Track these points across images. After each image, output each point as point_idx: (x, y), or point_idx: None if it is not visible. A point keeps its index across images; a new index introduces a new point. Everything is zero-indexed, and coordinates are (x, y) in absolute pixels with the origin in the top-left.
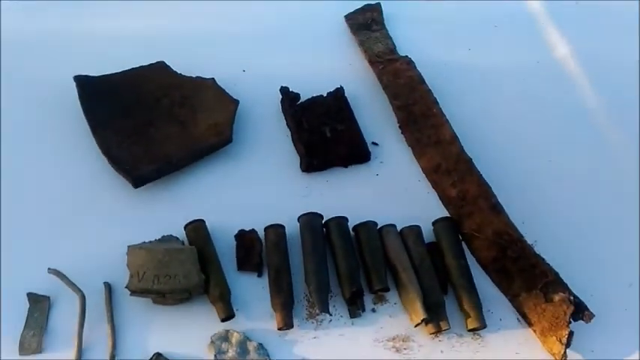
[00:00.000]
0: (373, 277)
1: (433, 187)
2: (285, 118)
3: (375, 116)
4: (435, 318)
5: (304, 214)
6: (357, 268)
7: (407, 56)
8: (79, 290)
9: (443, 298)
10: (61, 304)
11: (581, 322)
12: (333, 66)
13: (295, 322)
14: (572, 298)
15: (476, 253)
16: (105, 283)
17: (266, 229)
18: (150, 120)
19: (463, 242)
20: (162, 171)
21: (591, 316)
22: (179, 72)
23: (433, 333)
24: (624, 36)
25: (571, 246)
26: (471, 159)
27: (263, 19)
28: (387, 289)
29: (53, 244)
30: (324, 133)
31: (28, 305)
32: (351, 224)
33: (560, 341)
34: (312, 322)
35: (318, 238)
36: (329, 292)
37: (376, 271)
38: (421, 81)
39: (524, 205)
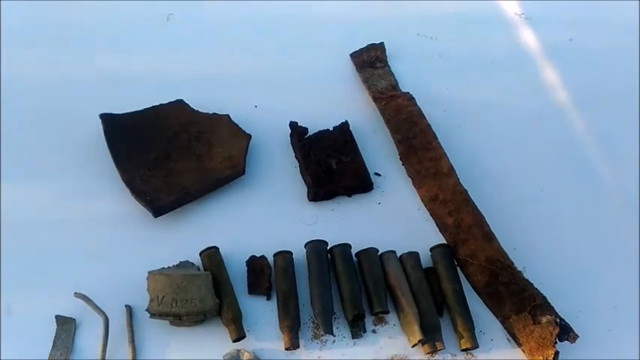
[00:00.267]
0: (374, 300)
1: (431, 216)
2: (294, 151)
3: (377, 149)
4: (430, 339)
5: (310, 241)
6: (359, 292)
7: (408, 92)
8: (103, 313)
9: (439, 321)
10: (86, 325)
11: (566, 342)
12: (339, 101)
13: (301, 342)
14: (558, 320)
15: (470, 278)
16: (126, 306)
17: (275, 255)
18: (169, 154)
19: (458, 267)
20: (180, 201)
21: (576, 337)
22: (196, 109)
23: (429, 353)
24: (616, 72)
25: (559, 271)
26: (467, 190)
27: (273, 58)
28: (387, 312)
29: (79, 270)
30: (330, 164)
31: (55, 327)
32: (354, 250)
33: None
34: (317, 343)
35: (323, 264)
36: (333, 315)
37: (377, 295)
38: (421, 116)
39: (516, 233)
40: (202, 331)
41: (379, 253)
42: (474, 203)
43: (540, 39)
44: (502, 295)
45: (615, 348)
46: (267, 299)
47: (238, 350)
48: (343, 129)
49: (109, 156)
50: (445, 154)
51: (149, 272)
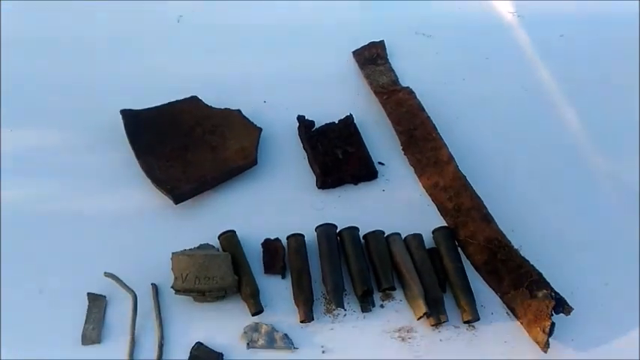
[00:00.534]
0: (381, 277)
1: (432, 201)
2: (302, 143)
3: (380, 140)
4: (435, 312)
5: (320, 225)
6: (367, 270)
7: (408, 87)
8: (131, 290)
9: (442, 295)
10: (115, 302)
11: (562, 315)
12: (343, 96)
13: (315, 316)
14: (553, 294)
15: (470, 257)
16: (152, 284)
17: (288, 237)
18: (186, 146)
19: (459, 248)
20: (199, 189)
21: (570, 309)
22: (210, 104)
23: (433, 325)
24: (605, 66)
25: (554, 251)
26: (465, 176)
27: (280, 57)
28: (394, 288)
29: (108, 253)
30: (336, 154)
31: (88, 303)
32: (361, 233)
33: (544, 331)
34: (329, 316)
35: (333, 245)
36: (343, 291)
37: (384, 273)
38: (421, 108)
39: (513, 216)
40: (223, 306)
41: (385, 236)
42: (472, 188)
43: (532, 36)
44: (500, 272)
45: (607, 321)
46: (282, 278)
47: (257, 323)
48: (348, 122)
49: (130, 149)
50: (445, 144)
51: (173, 253)
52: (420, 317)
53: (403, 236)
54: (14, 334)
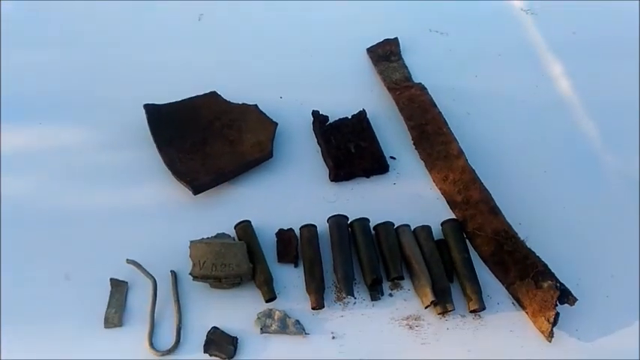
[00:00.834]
0: (390, 267)
1: (442, 194)
2: (316, 137)
3: (392, 134)
4: (442, 301)
5: (332, 216)
6: (377, 260)
7: (421, 83)
8: (152, 276)
9: (449, 285)
10: (136, 287)
11: (567, 305)
12: (357, 92)
13: (326, 303)
14: (558, 285)
15: (478, 249)
16: (171, 271)
17: (301, 228)
18: (205, 139)
19: (467, 240)
20: (217, 181)
21: (575, 300)
22: (228, 100)
23: (440, 313)
24: (617, 63)
25: (560, 244)
26: (475, 170)
27: (297, 54)
28: (402, 278)
29: (130, 241)
30: (349, 149)
31: (110, 289)
32: (371, 225)
33: (548, 321)
34: (340, 304)
35: (345, 235)
36: (353, 280)
37: (393, 263)
38: (433, 104)
39: (521, 210)
40: (238, 292)
41: (395, 227)
42: (481, 181)
43: (545, 33)
44: (507, 263)
45: (612, 312)
46: (295, 266)
47: (270, 309)
48: (361, 117)
49: (152, 142)
50: (455, 138)
51: (191, 241)
52: (428, 306)
53: (412, 228)
54: (41, 317)
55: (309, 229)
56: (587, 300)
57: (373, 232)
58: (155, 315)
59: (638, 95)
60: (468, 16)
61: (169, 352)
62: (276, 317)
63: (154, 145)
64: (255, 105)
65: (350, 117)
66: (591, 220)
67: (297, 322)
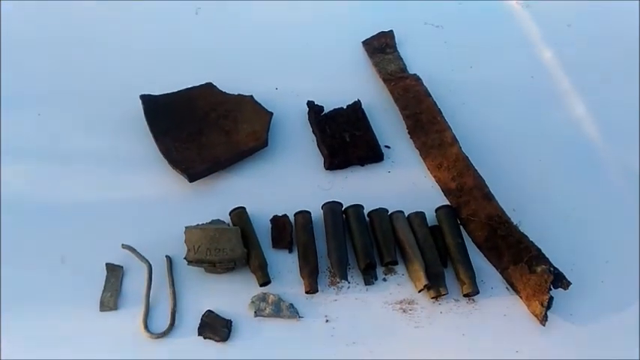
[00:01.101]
0: (384, 252)
1: (436, 182)
2: (311, 126)
3: (387, 124)
4: (435, 285)
5: (327, 202)
6: (370, 245)
7: (415, 74)
8: (147, 261)
9: (442, 269)
10: (132, 272)
11: (561, 290)
12: (352, 83)
13: (319, 287)
14: (552, 269)
15: (471, 234)
16: (166, 256)
17: (295, 214)
18: (201, 129)
19: (461, 226)
20: (212, 169)
21: (568, 284)
22: (224, 90)
23: (434, 297)
24: (611, 56)
25: (555, 231)
26: (468, 157)
27: (293, 46)
28: (396, 263)
29: (126, 227)
30: (344, 138)
31: (106, 273)
32: (365, 211)
33: (542, 305)
34: (334, 288)
35: (339, 221)
36: (347, 264)
37: (386, 248)
38: (427, 94)
39: (515, 197)
40: (233, 277)
41: (389, 213)
42: (474, 168)
43: (540, 25)
44: (501, 248)
45: (606, 297)
46: (289, 252)
47: (265, 293)
48: (356, 107)
49: (149, 131)
50: (449, 127)
51: (186, 227)
52: (421, 290)
53: (407, 214)
54: (37, 300)
55: (304, 215)
56: (582, 285)
57: (367, 218)
58: (150, 299)
59: (633, 86)
60: (462, 8)
61: (164, 334)
62: (270, 301)
63: (151, 135)
64: (251, 96)
65: (345, 107)
66: (586, 207)
67: (291, 305)
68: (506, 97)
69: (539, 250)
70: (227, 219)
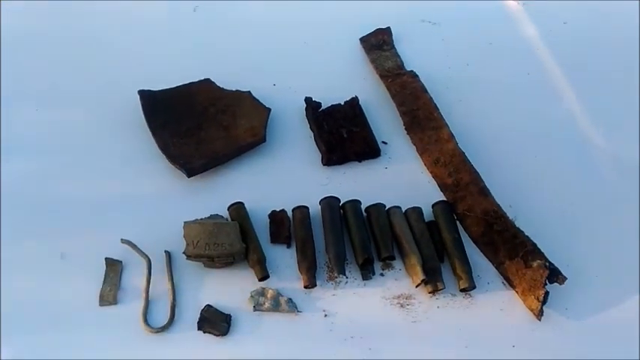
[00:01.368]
0: (382, 247)
1: (433, 178)
2: (309, 122)
3: (384, 120)
4: (432, 280)
5: (325, 198)
6: (368, 240)
7: (412, 70)
8: (146, 256)
9: (439, 264)
10: (131, 267)
11: (557, 285)
12: (350, 80)
13: (318, 282)
14: (547, 264)
15: (468, 229)
16: (165, 250)
17: (293, 209)
18: (199, 124)
19: (457, 221)
20: (210, 164)
21: (564, 279)
22: (222, 86)
23: (431, 292)
24: (607, 53)
25: (551, 227)
26: (464, 153)
27: (291, 42)
28: (393, 258)
29: (125, 221)
30: (341, 134)
31: (105, 268)
32: (363, 207)
33: (538, 299)
34: (332, 283)
35: (336, 216)
36: (345, 259)
37: (384, 243)
38: (424, 90)
39: (511, 193)
40: (232, 272)
41: (386, 209)
42: (470, 163)
43: (536, 23)
44: (497, 243)
45: (602, 292)
46: (287, 247)
47: (263, 288)
48: (353, 103)
49: (147, 126)
50: (446, 123)
51: (185, 222)
52: (418, 284)
53: (404, 209)
54: (38, 294)
55: (302, 210)
56: (577, 280)
57: (365, 213)
58: (150, 293)
59: (629, 84)
60: (459, 6)
61: (163, 328)
62: (268, 295)
63: (149, 131)
64: (249, 92)
65: (342, 103)
66: (582, 203)
67: (290, 300)
68: (502, 94)
69: (534, 245)
70: (225, 214)
